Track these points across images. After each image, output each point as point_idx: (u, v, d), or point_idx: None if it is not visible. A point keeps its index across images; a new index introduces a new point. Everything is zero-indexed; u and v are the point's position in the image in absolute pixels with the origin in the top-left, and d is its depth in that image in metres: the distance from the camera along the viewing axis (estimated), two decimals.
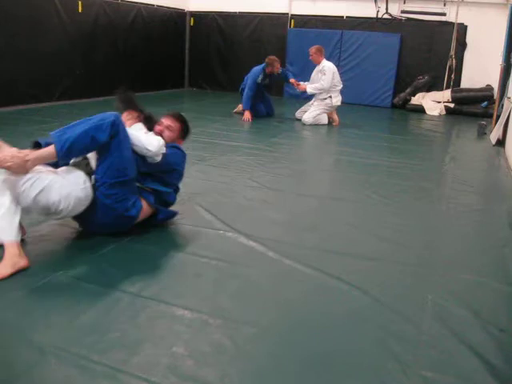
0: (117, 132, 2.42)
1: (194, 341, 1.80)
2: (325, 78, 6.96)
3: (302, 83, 7.17)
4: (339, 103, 7.16)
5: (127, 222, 2.64)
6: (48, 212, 2.39)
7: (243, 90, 7.40)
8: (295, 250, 2.65)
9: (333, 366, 1.72)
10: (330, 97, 7.03)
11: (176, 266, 2.43)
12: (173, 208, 2.95)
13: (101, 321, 1.90)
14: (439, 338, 1.91)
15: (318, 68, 7.10)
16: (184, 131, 3.00)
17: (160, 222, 2.85)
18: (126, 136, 2.49)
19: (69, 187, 2.37)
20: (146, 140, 2.63)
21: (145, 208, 2.69)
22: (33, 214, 2.56)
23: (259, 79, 7.23)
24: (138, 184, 2.66)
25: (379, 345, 1.84)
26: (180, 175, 2.94)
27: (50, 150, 2.34)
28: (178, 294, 2.14)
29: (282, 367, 1.70)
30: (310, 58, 7.12)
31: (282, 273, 2.41)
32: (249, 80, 7.27)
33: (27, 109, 6.91)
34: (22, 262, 2.22)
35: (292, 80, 7.31)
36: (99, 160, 2.47)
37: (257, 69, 7.32)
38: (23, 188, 2.25)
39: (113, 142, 2.42)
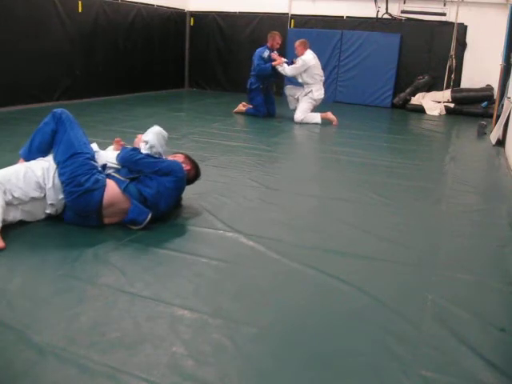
0: (60, 119, 2.83)
1: (194, 341, 1.80)
2: (293, 65, 7.11)
3: (283, 62, 7.21)
4: (321, 96, 7.22)
5: (89, 197, 2.69)
6: (39, 191, 2.68)
7: (252, 83, 7.39)
8: (295, 250, 2.65)
9: (333, 366, 1.72)
10: (311, 91, 7.11)
11: (176, 266, 2.43)
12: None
13: (101, 321, 1.90)
14: (439, 338, 1.91)
15: None
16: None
17: (131, 222, 2.77)
18: (72, 122, 2.86)
19: (45, 163, 2.78)
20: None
21: (114, 188, 2.76)
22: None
23: (264, 54, 7.28)
24: (113, 173, 2.88)
25: (379, 345, 1.84)
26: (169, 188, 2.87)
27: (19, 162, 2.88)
28: (178, 294, 2.14)
29: (282, 367, 1.70)
30: (295, 51, 7.23)
31: (282, 273, 2.41)
32: (255, 60, 7.32)
33: (27, 109, 6.91)
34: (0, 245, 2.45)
35: (273, 54, 7.29)
36: (54, 146, 2.83)
37: (260, 48, 7.44)
38: (9, 178, 2.62)
39: (59, 127, 2.82)
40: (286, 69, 7.18)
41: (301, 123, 6.98)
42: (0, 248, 2.43)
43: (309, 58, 7.11)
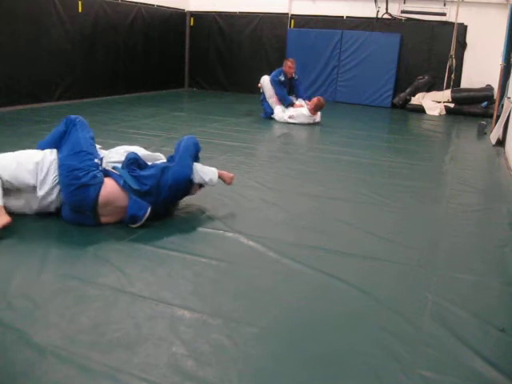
0: (73, 123, 2.93)
1: (194, 341, 1.80)
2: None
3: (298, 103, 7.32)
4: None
5: (85, 192, 2.71)
6: (33, 182, 2.76)
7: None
8: (295, 250, 2.65)
9: (333, 366, 1.73)
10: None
11: (176, 266, 2.43)
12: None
13: (101, 321, 1.90)
14: (439, 338, 1.91)
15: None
16: None
17: (131, 219, 2.78)
18: (84, 126, 2.96)
19: (38, 156, 2.83)
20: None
21: (112, 186, 2.79)
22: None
23: (280, 78, 7.24)
24: (111, 168, 2.92)
25: (379, 345, 1.84)
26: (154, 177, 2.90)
27: None
28: (178, 294, 2.14)
29: (282, 367, 1.70)
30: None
31: (282, 273, 2.41)
32: (276, 88, 7.25)
33: (27, 109, 6.91)
34: (5, 220, 2.59)
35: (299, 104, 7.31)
36: (62, 144, 2.91)
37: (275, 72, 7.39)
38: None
39: (71, 129, 2.92)
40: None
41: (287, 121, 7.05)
42: (8, 223, 2.55)
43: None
